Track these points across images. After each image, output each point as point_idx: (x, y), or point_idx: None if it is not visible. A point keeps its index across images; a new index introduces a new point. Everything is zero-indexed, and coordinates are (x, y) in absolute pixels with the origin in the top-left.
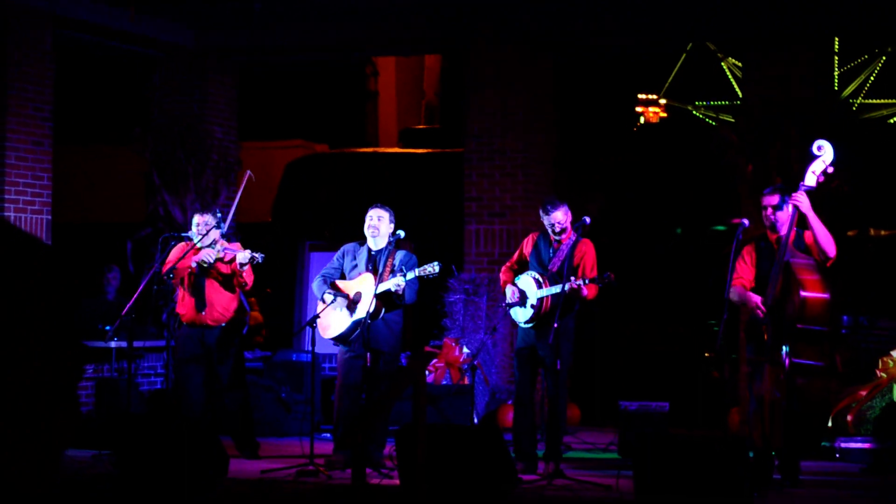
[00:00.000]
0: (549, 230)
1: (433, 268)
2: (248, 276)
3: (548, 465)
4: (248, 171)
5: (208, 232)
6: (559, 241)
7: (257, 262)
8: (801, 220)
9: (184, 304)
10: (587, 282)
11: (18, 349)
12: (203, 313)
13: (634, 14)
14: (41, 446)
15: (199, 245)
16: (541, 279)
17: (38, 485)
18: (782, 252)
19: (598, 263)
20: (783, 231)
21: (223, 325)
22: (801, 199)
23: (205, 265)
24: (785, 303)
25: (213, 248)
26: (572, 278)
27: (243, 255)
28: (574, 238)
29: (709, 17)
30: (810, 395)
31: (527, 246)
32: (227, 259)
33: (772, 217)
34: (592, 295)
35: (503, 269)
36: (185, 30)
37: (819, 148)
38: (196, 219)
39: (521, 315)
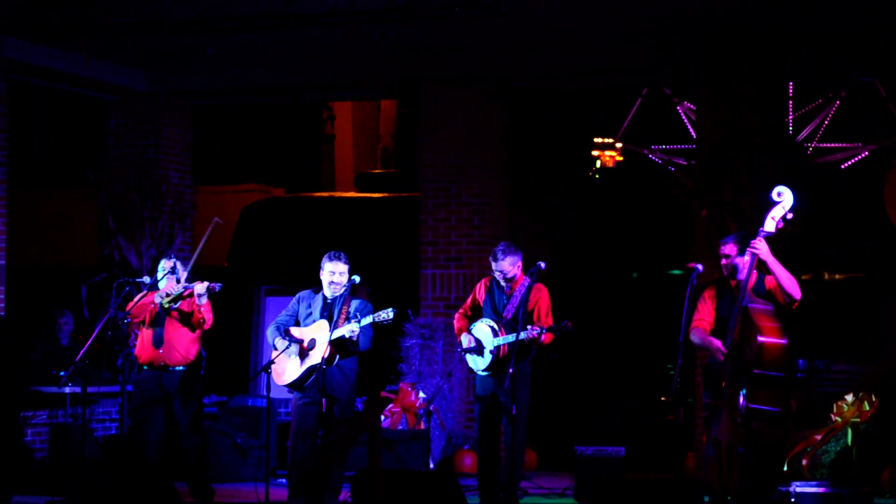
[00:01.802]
0: (497, 276)
1: (387, 314)
2: (207, 313)
3: None
4: (216, 218)
5: (169, 273)
6: (511, 288)
7: (214, 291)
8: (761, 266)
9: (142, 345)
10: (544, 330)
11: None
12: (161, 351)
13: (588, 56)
14: None
15: (160, 287)
16: (496, 327)
17: None
18: (741, 297)
19: (554, 307)
20: (741, 276)
21: (183, 367)
22: (760, 247)
23: (167, 300)
24: (743, 347)
25: (183, 285)
26: (529, 326)
27: (201, 287)
28: (528, 283)
29: (664, 59)
30: (766, 439)
31: (479, 292)
32: (185, 294)
33: (731, 264)
34: (549, 341)
35: (457, 316)
36: (138, 73)
37: (779, 194)
38: (163, 263)
39: (479, 363)
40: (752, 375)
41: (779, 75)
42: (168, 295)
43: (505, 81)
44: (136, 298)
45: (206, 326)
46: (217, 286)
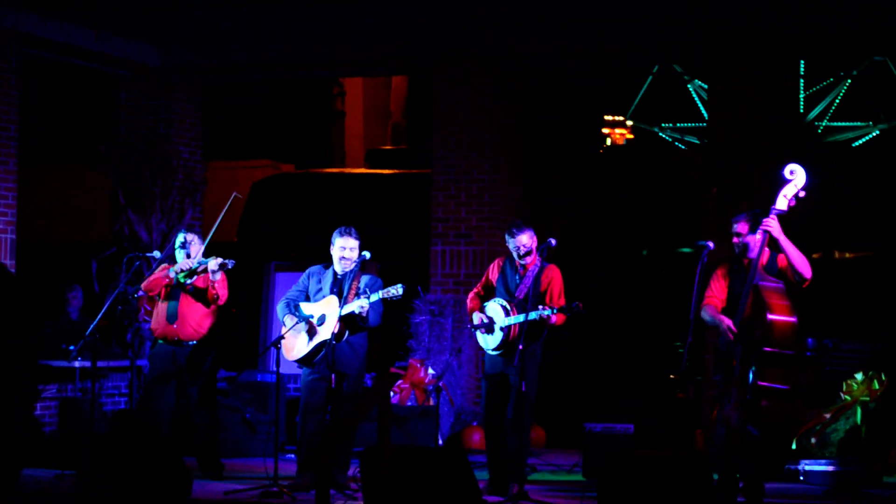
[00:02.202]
0: (514, 253)
1: (397, 290)
2: (220, 289)
3: (512, 487)
4: (235, 192)
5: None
6: (525, 267)
7: (227, 267)
8: (773, 244)
9: (157, 319)
10: (556, 311)
11: None
12: (175, 326)
13: (600, 35)
14: None
15: (180, 261)
16: (509, 307)
17: None
18: (752, 275)
19: (566, 287)
20: (753, 255)
21: (195, 342)
22: (772, 225)
23: (182, 274)
24: (753, 325)
25: (197, 260)
26: (541, 307)
27: (214, 263)
28: (540, 264)
29: (676, 38)
30: (775, 417)
31: (493, 272)
32: (199, 270)
33: (742, 242)
34: (560, 322)
35: (470, 295)
36: (150, 48)
37: (791, 172)
38: (180, 237)
39: (490, 342)
40: (761, 353)
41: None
42: (182, 270)
43: (517, 59)
44: (151, 272)
45: (221, 302)
46: (230, 263)
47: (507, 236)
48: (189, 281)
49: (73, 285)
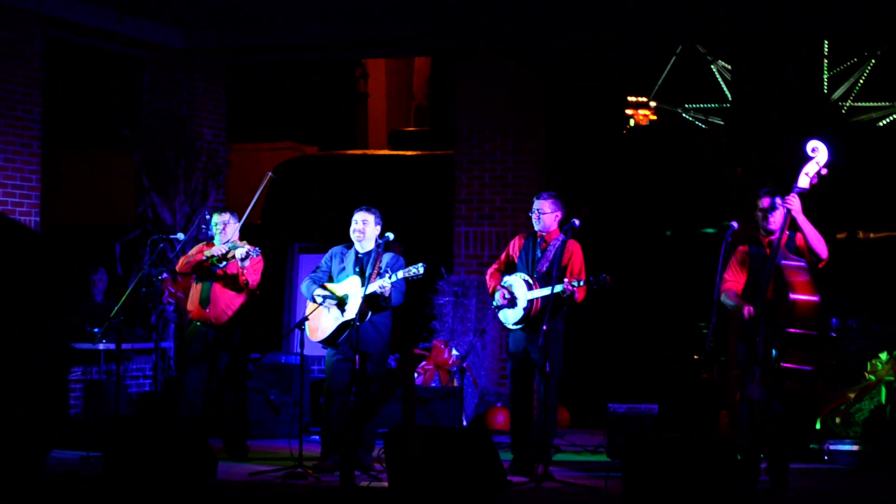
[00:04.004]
0: (533, 217)
1: (418, 269)
2: (251, 275)
3: (536, 468)
4: (270, 172)
5: (225, 229)
6: (545, 242)
7: (253, 256)
8: (792, 223)
9: (191, 301)
10: (581, 283)
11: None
12: (207, 310)
13: (624, 16)
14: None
15: (218, 243)
16: (531, 281)
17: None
18: (773, 254)
19: (590, 264)
20: (775, 232)
21: (224, 322)
22: (793, 203)
23: (214, 258)
24: (776, 306)
25: (230, 246)
26: (565, 280)
27: (241, 251)
28: (562, 239)
29: (699, 18)
30: (799, 398)
31: (513, 248)
32: (228, 256)
33: (765, 219)
34: (582, 297)
35: (489, 272)
36: (173, 30)
37: (813, 150)
38: (216, 217)
39: (511, 316)
40: (784, 334)
41: (814, 32)
42: (214, 255)
43: (540, 41)
44: (175, 254)
45: (252, 286)
46: (256, 252)
47: (534, 199)
48: (222, 265)
49: (97, 268)
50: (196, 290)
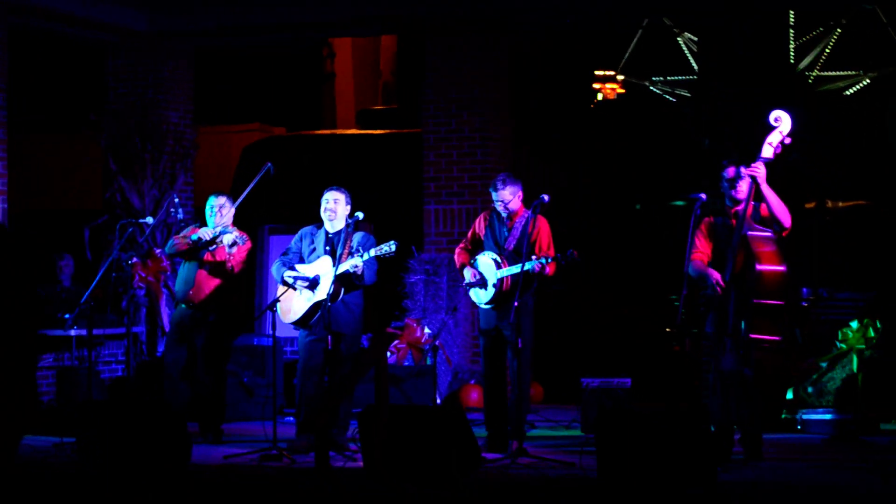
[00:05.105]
0: (499, 206)
1: (390, 247)
2: (235, 261)
3: (511, 444)
4: (269, 163)
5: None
6: (511, 219)
7: (239, 244)
8: (757, 193)
9: (178, 282)
10: (549, 260)
11: None
12: (191, 292)
13: None
14: None
15: (212, 228)
16: (499, 259)
17: None
18: (739, 225)
19: (559, 240)
20: (741, 201)
21: (199, 301)
22: (759, 171)
23: (199, 244)
24: (744, 277)
25: (219, 231)
26: (533, 257)
27: (229, 238)
28: (528, 215)
29: None
30: (768, 368)
31: (479, 225)
32: (218, 241)
33: (732, 189)
34: (553, 272)
35: (457, 250)
36: (138, 13)
37: (776, 119)
38: (212, 201)
39: (482, 296)
40: (751, 306)
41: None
42: (202, 239)
43: (506, 15)
44: (182, 234)
45: (235, 272)
46: (242, 239)
47: (491, 190)
48: (211, 249)
49: (62, 254)
50: (182, 271)
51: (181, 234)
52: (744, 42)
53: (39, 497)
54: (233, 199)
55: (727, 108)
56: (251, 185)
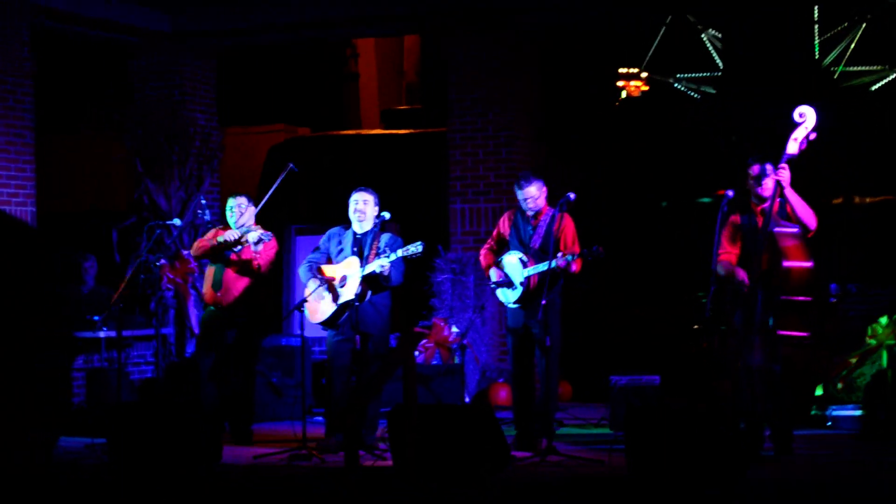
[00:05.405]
0: (524, 205)
1: (416, 248)
2: (262, 259)
3: (540, 442)
4: (291, 164)
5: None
6: (536, 217)
7: (265, 241)
8: (782, 192)
9: (205, 284)
10: (575, 256)
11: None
12: (219, 294)
13: None
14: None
15: (235, 228)
16: (525, 258)
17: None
18: (766, 223)
19: (585, 237)
20: (767, 198)
21: (229, 302)
22: (784, 175)
23: (225, 245)
24: (771, 274)
25: (243, 231)
26: (559, 254)
27: (254, 235)
28: (552, 213)
29: None
30: (797, 365)
31: (504, 225)
32: (242, 241)
33: (758, 186)
34: (579, 269)
35: (482, 251)
36: (161, 14)
37: (801, 115)
38: (231, 201)
39: (510, 296)
40: (778, 302)
41: None
42: (227, 240)
43: (530, 14)
44: (206, 236)
45: (263, 271)
46: (268, 236)
47: (515, 188)
48: (236, 249)
49: (87, 255)
50: (209, 273)
51: (206, 237)
52: (766, 38)
53: (72, 498)
54: (255, 200)
55: (750, 105)
56: (275, 185)
